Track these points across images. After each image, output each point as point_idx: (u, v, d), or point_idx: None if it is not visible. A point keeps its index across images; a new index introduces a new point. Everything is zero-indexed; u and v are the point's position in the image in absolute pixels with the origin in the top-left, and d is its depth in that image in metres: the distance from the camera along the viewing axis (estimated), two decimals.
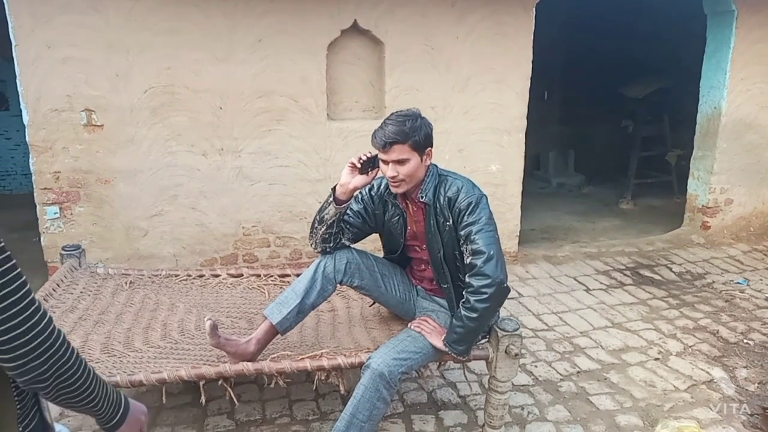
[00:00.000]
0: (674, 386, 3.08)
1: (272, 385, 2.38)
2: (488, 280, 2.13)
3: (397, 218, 2.42)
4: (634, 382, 3.11)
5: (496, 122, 4.53)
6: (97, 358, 2.29)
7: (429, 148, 2.26)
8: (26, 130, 3.69)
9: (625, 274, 4.64)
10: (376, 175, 2.32)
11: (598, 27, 7.22)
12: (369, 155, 2.27)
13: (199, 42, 3.79)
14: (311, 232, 2.44)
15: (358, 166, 2.26)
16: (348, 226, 2.44)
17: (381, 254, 2.66)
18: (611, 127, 7.92)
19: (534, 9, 4.39)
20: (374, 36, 4.14)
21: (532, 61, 4.51)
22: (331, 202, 2.32)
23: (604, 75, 7.49)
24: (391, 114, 2.25)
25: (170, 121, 3.86)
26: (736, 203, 5.54)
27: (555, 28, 7.22)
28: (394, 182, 2.26)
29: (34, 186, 3.79)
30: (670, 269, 4.76)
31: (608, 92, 7.42)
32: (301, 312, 2.37)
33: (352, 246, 2.51)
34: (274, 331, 2.35)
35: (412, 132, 2.17)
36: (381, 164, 2.25)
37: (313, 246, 2.47)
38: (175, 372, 2.22)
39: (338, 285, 2.47)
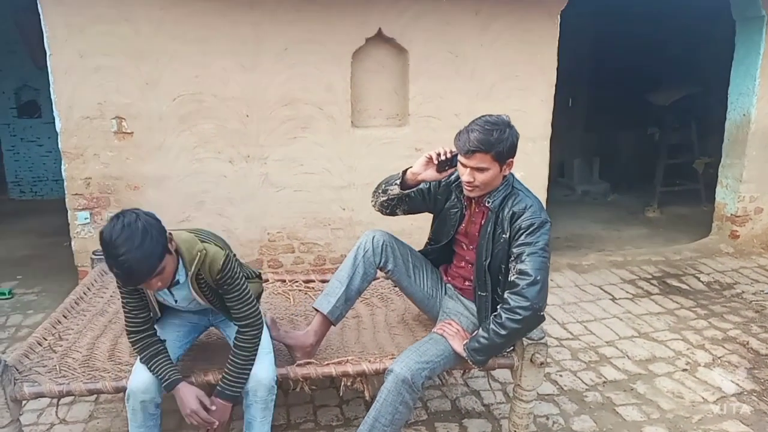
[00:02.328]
0: (703, 398, 3.02)
1: (297, 390, 2.40)
2: (526, 303, 2.11)
3: (456, 210, 2.41)
4: (661, 393, 3.06)
5: (520, 129, 4.35)
6: (126, 361, 2.34)
7: (510, 159, 2.21)
8: (59, 137, 3.79)
9: (651, 284, 4.57)
10: (449, 174, 2.31)
11: (625, 33, 7.15)
12: (450, 154, 2.24)
13: (227, 51, 3.86)
14: (374, 193, 2.50)
15: (435, 162, 2.26)
16: (407, 199, 2.44)
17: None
18: (637, 135, 7.83)
19: (559, 16, 4.38)
20: (398, 44, 4.16)
21: (557, 68, 4.49)
22: (397, 183, 2.35)
23: (630, 82, 7.41)
24: (480, 118, 2.20)
25: (198, 128, 3.93)
26: (766, 212, 5.43)
27: (580, 35, 7.17)
28: (468, 186, 2.25)
29: (66, 192, 3.89)
30: (698, 279, 4.68)
31: (634, 99, 7.34)
32: (348, 299, 2.41)
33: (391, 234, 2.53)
34: (327, 322, 2.39)
35: (498, 143, 2.12)
36: (459, 165, 2.24)
37: (372, 203, 2.53)
38: (203, 376, 2.25)
39: (378, 269, 2.49)
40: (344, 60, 4.07)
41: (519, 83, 4.43)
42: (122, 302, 2.12)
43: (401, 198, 2.41)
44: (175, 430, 2.70)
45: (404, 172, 2.34)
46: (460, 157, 2.21)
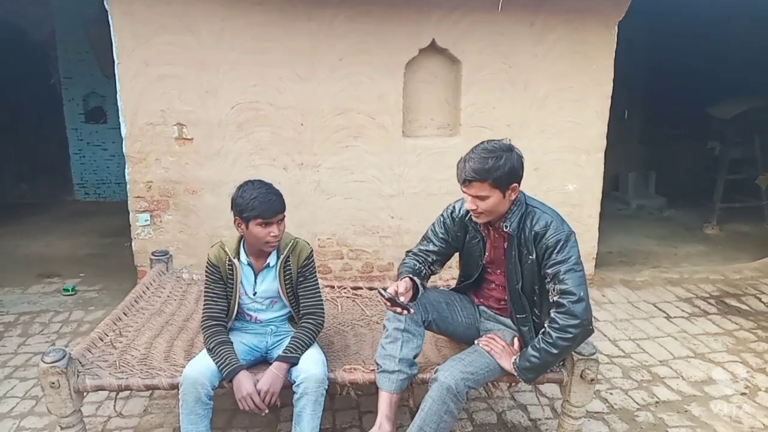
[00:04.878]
0: (764, 424, 2.89)
1: (344, 395, 2.43)
2: (576, 321, 2.09)
3: (477, 240, 2.41)
4: (717, 417, 2.95)
5: (574, 141, 4.45)
6: (180, 363, 2.42)
7: (514, 184, 2.17)
8: (123, 142, 3.97)
9: (709, 303, 4.41)
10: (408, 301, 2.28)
11: (685, 45, 6.95)
12: (397, 296, 2.21)
13: (284, 61, 3.96)
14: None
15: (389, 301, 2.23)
16: (435, 257, 2.48)
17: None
18: (696, 149, 7.58)
19: (616, 27, 4.30)
20: (452, 54, 4.17)
21: (613, 80, 4.41)
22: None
23: (689, 94, 7.19)
24: (479, 145, 2.19)
25: (254, 135, 4.04)
26: None
27: (638, 46, 7.02)
28: (474, 214, 2.25)
29: (128, 194, 4.06)
30: (760, 299, 4.49)
31: (693, 112, 7.11)
32: (412, 365, 2.32)
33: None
34: (396, 397, 2.30)
35: (494, 170, 2.10)
36: (463, 193, 2.24)
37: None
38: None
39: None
40: (397, 70, 4.12)
41: (573, 94, 4.37)
42: (205, 291, 2.42)
43: (432, 262, 2.48)
44: (224, 428, 2.78)
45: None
46: (461, 187, 2.20)
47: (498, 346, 2.34)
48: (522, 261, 2.26)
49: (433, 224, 2.54)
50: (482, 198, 2.16)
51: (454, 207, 2.47)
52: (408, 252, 2.56)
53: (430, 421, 2.16)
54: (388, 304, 2.23)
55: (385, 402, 2.28)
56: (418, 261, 2.48)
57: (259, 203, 2.24)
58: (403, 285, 2.28)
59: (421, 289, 2.38)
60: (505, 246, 2.31)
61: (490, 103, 4.28)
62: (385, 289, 2.24)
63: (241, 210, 2.27)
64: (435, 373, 2.24)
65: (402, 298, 2.23)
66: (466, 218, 2.39)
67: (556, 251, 2.15)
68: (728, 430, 2.84)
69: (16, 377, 3.23)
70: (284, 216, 2.34)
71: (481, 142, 2.20)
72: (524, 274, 2.28)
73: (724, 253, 5.74)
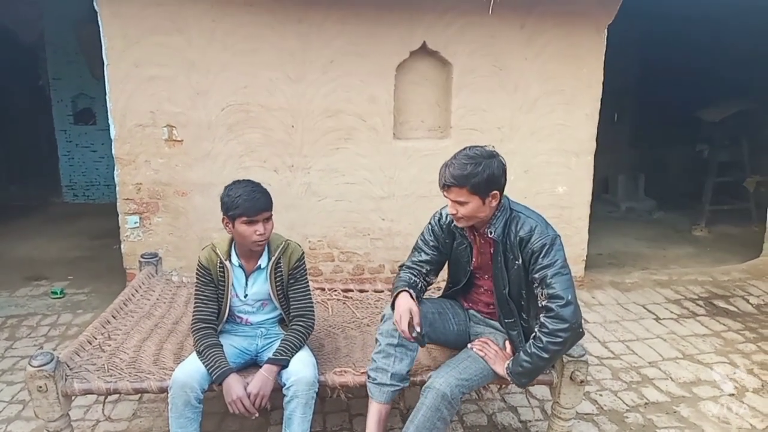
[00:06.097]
0: (751, 425, 2.92)
1: (334, 397, 2.42)
2: (566, 325, 2.09)
3: (464, 246, 2.41)
4: (706, 418, 2.97)
5: (564, 144, 4.47)
6: (170, 366, 2.40)
7: (494, 191, 2.17)
8: (113, 143, 3.94)
9: (697, 304, 4.44)
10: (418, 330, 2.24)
11: (675, 48, 7.00)
12: (414, 328, 2.20)
13: (275, 62, 3.95)
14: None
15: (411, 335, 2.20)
16: (430, 268, 2.46)
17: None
18: (685, 151, 7.64)
19: (606, 30, 4.33)
20: (442, 57, 4.18)
21: (603, 83, 4.43)
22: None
23: (679, 97, 7.25)
24: (462, 150, 2.20)
25: (245, 137, 4.03)
26: None
27: (628, 49, 7.06)
28: (455, 218, 2.26)
29: (118, 196, 4.03)
30: (747, 301, 4.53)
31: (683, 115, 7.17)
32: (402, 379, 2.30)
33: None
34: (386, 408, 2.30)
35: (472, 176, 2.11)
36: (444, 198, 2.25)
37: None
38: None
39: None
40: (388, 72, 4.12)
41: (563, 97, 4.39)
42: (196, 293, 2.41)
43: (427, 273, 2.46)
44: (215, 431, 2.76)
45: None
46: (441, 192, 2.21)
47: (491, 351, 2.34)
48: (508, 266, 2.26)
49: (422, 233, 2.52)
50: (461, 203, 2.17)
51: (440, 213, 2.47)
52: (401, 266, 2.53)
53: (424, 428, 2.16)
54: (411, 338, 2.20)
55: (374, 418, 2.27)
56: (412, 274, 2.44)
57: (243, 201, 2.24)
58: (417, 316, 2.22)
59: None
60: (491, 251, 2.31)
61: (481, 106, 4.29)
62: (417, 332, 2.20)
63: (228, 208, 2.28)
64: (429, 379, 2.23)
65: (417, 327, 2.20)
66: (452, 224, 2.39)
67: (542, 255, 2.15)
68: (716, 431, 2.86)
69: (3, 381, 3.20)
70: (271, 215, 2.33)
71: (464, 148, 2.21)
72: (511, 280, 2.28)
73: (713, 254, 5.79)
